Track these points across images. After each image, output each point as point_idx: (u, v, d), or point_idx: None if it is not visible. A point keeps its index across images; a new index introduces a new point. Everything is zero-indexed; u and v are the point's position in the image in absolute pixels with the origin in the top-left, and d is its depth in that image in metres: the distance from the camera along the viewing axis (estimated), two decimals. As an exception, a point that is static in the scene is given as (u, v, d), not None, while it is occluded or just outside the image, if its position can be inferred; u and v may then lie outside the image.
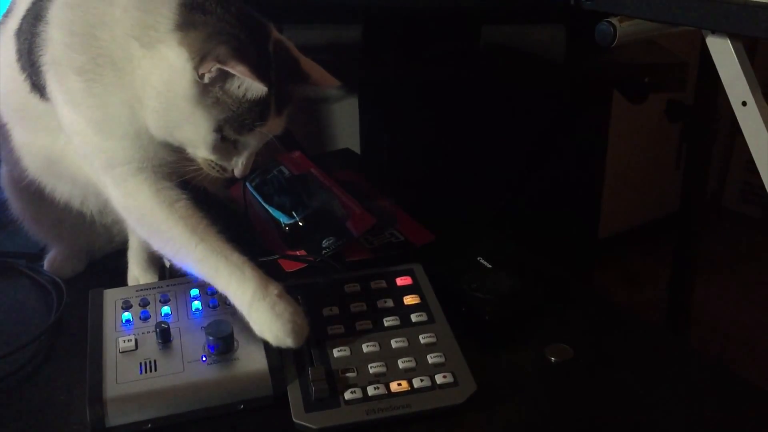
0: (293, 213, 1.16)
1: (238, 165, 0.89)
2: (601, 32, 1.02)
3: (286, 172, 1.26)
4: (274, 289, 0.85)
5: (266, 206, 1.19)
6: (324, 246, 1.11)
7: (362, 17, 1.48)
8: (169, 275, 1.04)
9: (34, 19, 0.88)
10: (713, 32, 0.94)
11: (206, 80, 0.82)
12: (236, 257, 0.87)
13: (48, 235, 1.09)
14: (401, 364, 0.86)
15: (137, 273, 1.03)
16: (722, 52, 0.94)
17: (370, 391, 0.83)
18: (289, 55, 0.90)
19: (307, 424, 0.80)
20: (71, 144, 0.92)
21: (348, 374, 0.85)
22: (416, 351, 0.88)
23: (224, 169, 0.90)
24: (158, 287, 0.96)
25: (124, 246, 1.04)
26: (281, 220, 1.16)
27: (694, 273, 1.84)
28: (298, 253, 1.12)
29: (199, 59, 0.81)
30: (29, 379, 0.91)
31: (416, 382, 0.84)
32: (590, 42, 1.05)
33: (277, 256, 1.11)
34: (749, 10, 0.88)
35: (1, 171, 1.07)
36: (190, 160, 0.89)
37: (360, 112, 1.89)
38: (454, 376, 0.85)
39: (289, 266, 1.10)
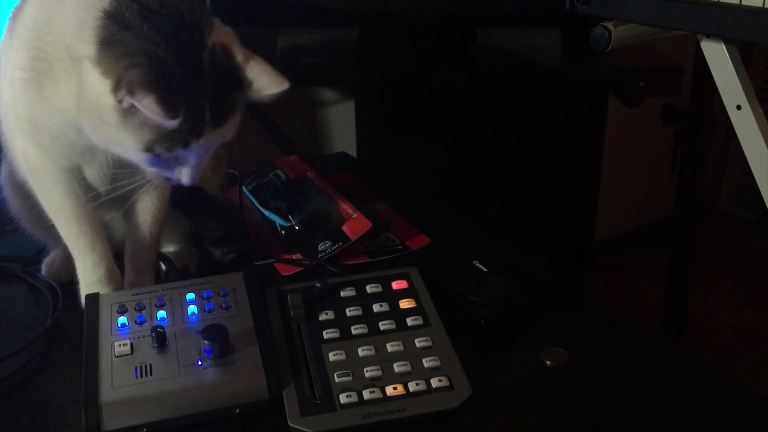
0: (289, 216, 1.16)
1: (183, 175, 0.88)
2: (596, 36, 1.02)
3: (282, 175, 1.26)
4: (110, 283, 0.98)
5: (262, 210, 1.19)
6: (320, 249, 1.11)
7: (359, 21, 1.48)
8: (164, 279, 1.04)
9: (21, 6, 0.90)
10: (708, 36, 0.94)
11: (125, 105, 0.80)
12: (101, 247, 0.98)
13: (47, 235, 1.09)
14: (397, 368, 0.86)
15: (133, 277, 1.02)
16: (717, 56, 0.95)
17: (366, 395, 0.83)
18: (230, 60, 0.85)
19: (303, 428, 0.80)
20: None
21: (344, 378, 0.84)
22: (412, 355, 0.88)
23: (169, 179, 0.89)
24: (154, 291, 0.95)
25: (120, 250, 1.03)
26: (277, 223, 1.16)
27: (690, 276, 1.84)
28: (293, 256, 1.12)
29: (115, 84, 0.79)
30: (25, 383, 0.91)
31: (412, 386, 0.84)
32: (585, 46, 1.05)
33: (273, 260, 1.11)
34: (744, 15, 0.89)
35: (1, 169, 1.06)
36: (138, 171, 0.89)
37: (356, 115, 1.89)
38: (449, 379, 0.85)
39: (285, 270, 1.10)
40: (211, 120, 0.84)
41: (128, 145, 0.83)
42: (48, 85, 0.86)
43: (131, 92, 0.77)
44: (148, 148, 0.83)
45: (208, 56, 0.83)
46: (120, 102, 0.79)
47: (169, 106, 0.78)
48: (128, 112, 0.80)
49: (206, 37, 0.84)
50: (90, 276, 0.98)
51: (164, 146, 0.83)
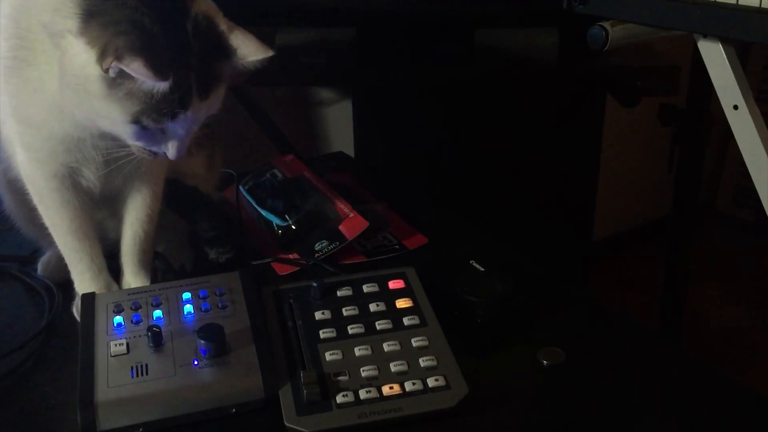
0: (286, 216, 1.16)
1: (169, 149, 0.87)
2: (593, 36, 1.02)
3: (279, 175, 1.26)
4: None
5: (259, 209, 1.19)
6: (317, 249, 1.11)
7: (356, 20, 1.48)
8: (161, 279, 1.04)
9: None
10: (705, 36, 0.94)
11: (111, 74, 0.79)
12: (99, 261, 0.99)
13: (40, 235, 1.08)
14: (393, 367, 0.86)
15: (129, 277, 1.02)
16: (714, 55, 0.94)
17: (362, 394, 0.83)
18: (213, 29, 0.85)
19: (299, 428, 0.80)
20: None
21: (340, 378, 0.84)
22: (408, 354, 0.88)
23: (155, 153, 0.88)
24: (150, 291, 0.95)
25: (116, 249, 1.03)
26: (274, 223, 1.16)
27: (687, 276, 1.85)
28: (290, 256, 1.12)
29: (100, 53, 0.78)
30: (20, 382, 0.90)
31: (408, 386, 0.84)
32: (583, 46, 1.05)
33: (269, 260, 1.11)
34: (740, 14, 0.89)
35: None
36: (123, 145, 0.88)
37: (354, 115, 1.89)
38: (446, 379, 0.85)
39: (282, 269, 1.10)
40: (197, 91, 0.83)
41: (115, 117, 0.83)
42: (29, 70, 0.86)
43: (119, 58, 0.77)
44: (136, 120, 0.82)
45: (192, 25, 0.83)
46: (106, 71, 0.78)
47: (158, 68, 0.77)
48: (115, 82, 0.80)
49: (189, 7, 0.84)
50: (88, 290, 0.97)
51: (152, 117, 0.82)
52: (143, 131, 0.84)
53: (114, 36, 0.78)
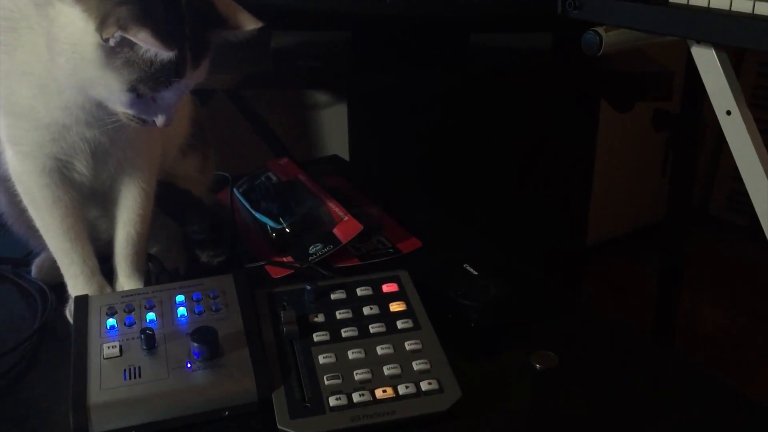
0: (280, 219, 1.16)
1: (158, 117, 0.88)
2: (587, 41, 1.02)
3: (274, 178, 1.26)
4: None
5: (253, 212, 1.19)
6: (311, 252, 1.11)
7: (352, 24, 1.48)
8: (154, 281, 1.04)
9: None
10: (698, 42, 0.95)
11: (112, 43, 0.79)
12: (92, 263, 0.99)
13: (34, 236, 1.08)
14: (387, 370, 0.86)
15: (122, 279, 1.02)
16: (707, 61, 0.95)
17: (356, 397, 0.83)
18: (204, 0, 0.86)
19: (292, 431, 0.80)
20: None
21: (333, 381, 0.84)
22: (402, 358, 0.88)
23: (144, 121, 0.88)
24: (143, 293, 0.95)
25: (107, 251, 1.03)
26: (268, 226, 1.16)
27: (681, 281, 1.85)
28: (284, 259, 1.12)
29: (100, 22, 0.78)
30: (13, 385, 0.90)
31: (401, 389, 0.84)
32: (577, 51, 1.05)
33: (263, 263, 1.11)
34: (733, 21, 0.89)
35: None
36: (111, 113, 0.88)
37: (348, 118, 1.89)
38: (439, 383, 0.85)
39: (276, 272, 1.10)
40: (191, 60, 0.84)
41: (111, 85, 0.83)
42: (16, 54, 0.86)
43: (124, 28, 0.77)
44: (132, 88, 0.82)
45: None
46: (107, 40, 0.78)
47: (165, 38, 0.78)
48: (113, 51, 0.80)
49: None
50: (81, 292, 0.97)
51: (148, 86, 0.82)
52: (137, 99, 0.84)
53: (115, 6, 0.78)
